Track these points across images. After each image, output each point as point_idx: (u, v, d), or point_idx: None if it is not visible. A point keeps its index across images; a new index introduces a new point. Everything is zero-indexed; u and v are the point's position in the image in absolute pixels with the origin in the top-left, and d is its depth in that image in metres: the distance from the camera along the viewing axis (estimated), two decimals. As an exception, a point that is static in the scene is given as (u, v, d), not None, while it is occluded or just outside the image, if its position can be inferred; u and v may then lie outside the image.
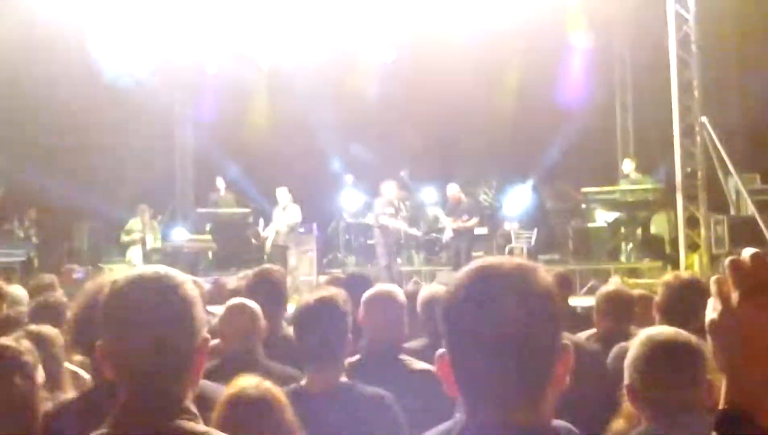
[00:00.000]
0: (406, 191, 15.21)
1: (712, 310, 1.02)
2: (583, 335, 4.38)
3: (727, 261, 1.03)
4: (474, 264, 1.37)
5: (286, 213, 12.88)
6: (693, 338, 2.02)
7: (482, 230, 13.44)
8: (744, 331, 0.99)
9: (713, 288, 1.03)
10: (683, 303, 3.31)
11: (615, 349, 3.44)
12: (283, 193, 12.98)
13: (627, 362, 2.12)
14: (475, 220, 12.29)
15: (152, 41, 14.90)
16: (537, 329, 1.29)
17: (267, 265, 4.22)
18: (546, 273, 1.37)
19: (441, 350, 1.34)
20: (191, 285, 1.71)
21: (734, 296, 1.00)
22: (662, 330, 2.13)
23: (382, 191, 12.58)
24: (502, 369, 1.27)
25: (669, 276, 3.67)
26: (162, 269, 1.72)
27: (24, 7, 12.18)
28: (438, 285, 3.98)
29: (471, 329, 1.29)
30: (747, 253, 1.01)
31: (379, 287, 3.74)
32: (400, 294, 3.56)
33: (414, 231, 13.24)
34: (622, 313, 4.02)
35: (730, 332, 1.01)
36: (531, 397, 1.29)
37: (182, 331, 1.64)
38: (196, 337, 1.67)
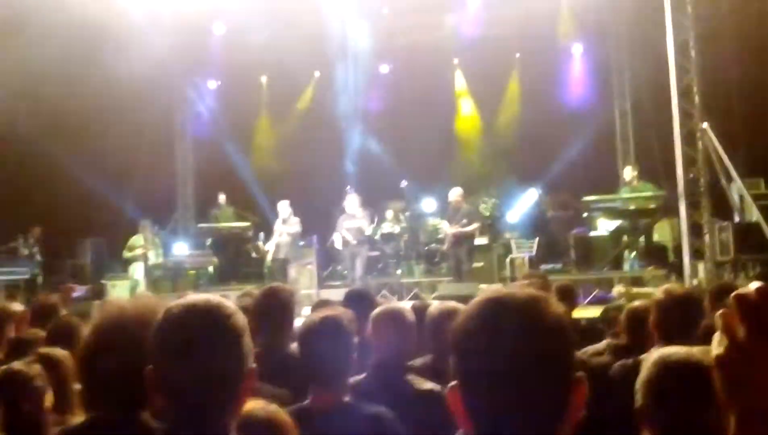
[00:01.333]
0: (405, 202, 15.21)
1: (718, 345, 1.01)
2: (599, 347, 4.36)
3: (732, 296, 1.01)
4: (484, 294, 1.36)
5: (286, 226, 12.89)
6: (707, 359, 1.98)
7: (483, 240, 13.40)
8: (752, 367, 0.97)
9: (719, 322, 1.01)
10: (678, 319, 3.31)
11: (618, 365, 3.44)
12: (284, 206, 13.00)
13: (638, 384, 2.09)
14: (475, 226, 12.15)
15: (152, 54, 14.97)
16: (550, 361, 1.27)
17: (276, 284, 4.20)
18: (558, 303, 1.36)
19: (452, 383, 1.32)
20: (241, 315, 1.74)
21: (741, 331, 0.98)
22: (674, 351, 2.09)
23: (345, 206, 12.73)
24: (515, 402, 1.25)
25: (661, 292, 3.65)
26: (214, 299, 1.75)
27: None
28: (448, 301, 3.94)
29: (483, 362, 1.27)
30: (753, 286, 1.00)
31: (388, 305, 3.73)
32: (408, 312, 3.54)
33: (369, 230, 13.16)
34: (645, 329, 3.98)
35: (737, 368, 0.99)
36: (545, 429, 1.27)
37: (231, 362, 1.67)
38: (243, 367, 1.70)
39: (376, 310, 3.53)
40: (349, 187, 13.75)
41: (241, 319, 1.72)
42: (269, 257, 13.18)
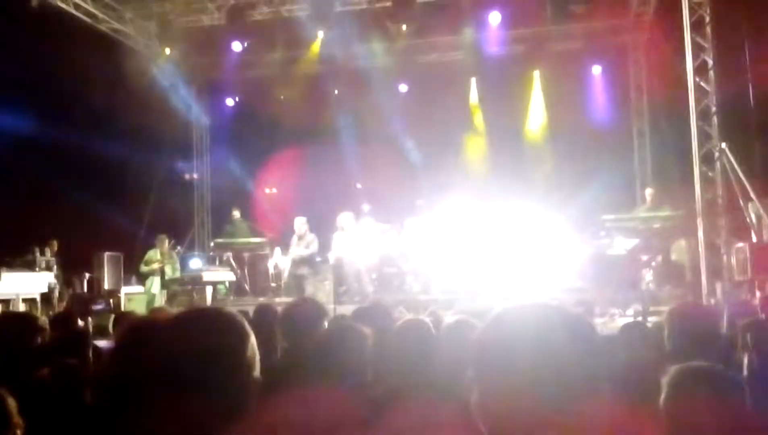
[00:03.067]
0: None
1: None
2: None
3: None
4: (499, 309, 1.34)
5: (302, 242, 12.89)
6: (725, 372, 1.98)
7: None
8: None
9: None
10: None
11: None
12: (300, 223, 13.00)
13: (662, 402, 2.07)
14: None
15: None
16: (570, 368, 1.26)
17: (307, 296, 4.23)
18: (573, 310, 1.34)
19: (474, 398, 1.30)
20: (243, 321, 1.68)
21: None
22: (693, 365, 2.08)
23: (338, 223, 12.67)
24: (535, 412, 1.24)
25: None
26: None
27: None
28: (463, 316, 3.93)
29: (501, 375, 1.26)
30: None
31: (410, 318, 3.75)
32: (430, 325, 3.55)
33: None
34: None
35: None
36: None
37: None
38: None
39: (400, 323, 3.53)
40: (364, 204, 13.73)
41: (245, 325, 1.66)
42: (285, 273, 13.18)
